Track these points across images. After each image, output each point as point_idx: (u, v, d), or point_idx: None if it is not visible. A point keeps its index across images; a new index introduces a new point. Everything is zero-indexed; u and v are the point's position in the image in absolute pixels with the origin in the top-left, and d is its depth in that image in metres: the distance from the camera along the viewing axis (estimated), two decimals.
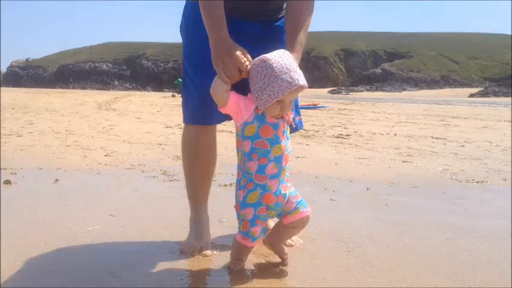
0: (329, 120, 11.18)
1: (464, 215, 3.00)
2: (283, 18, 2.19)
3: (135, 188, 3.48)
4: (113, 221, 2.64)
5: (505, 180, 4.18)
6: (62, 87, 65.86)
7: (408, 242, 2.42)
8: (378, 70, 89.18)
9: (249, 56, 1.87)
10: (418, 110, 18.34)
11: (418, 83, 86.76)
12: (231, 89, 1.88)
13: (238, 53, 1.84)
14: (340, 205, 3.18)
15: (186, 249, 2.17)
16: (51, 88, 62.11)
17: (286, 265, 2.04)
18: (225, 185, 3.61)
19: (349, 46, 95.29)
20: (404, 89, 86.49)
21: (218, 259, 2.12)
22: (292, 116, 1.98)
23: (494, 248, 2.39)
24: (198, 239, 2.22)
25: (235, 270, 1.96)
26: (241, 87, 1.92)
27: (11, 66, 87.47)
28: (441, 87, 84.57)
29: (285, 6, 2.19)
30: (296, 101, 2.13)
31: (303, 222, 1.99)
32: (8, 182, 3.49)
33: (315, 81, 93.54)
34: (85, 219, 2.66)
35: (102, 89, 58.59)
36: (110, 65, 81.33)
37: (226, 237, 2.39)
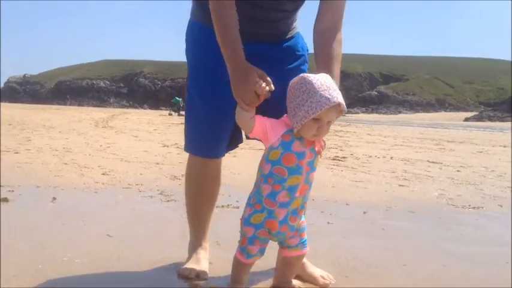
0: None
1: (461, 241, 3.02)
2: (293, 38, 2.19)
3: (132, 208, 3.49)
4: (111, 242, 2.64)
5: (501, 206, 4.20)
6: (59, 104, 65.97)
7: (405, 268, 2.43)
8: (374, 92, 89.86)
9: (267, 78, 1.82)
10: (413, 133, 18.45)
11: (413, 106, 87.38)
12: (257, 113, 1.85)
13: (254, 77, 1.79)
14: (337, 229, 3.19)
15: (183, 274, 2.15)
16: (48, 104, 62.30)
17: None
18: (222, 206, 3.62)
19: (346, 68, 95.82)
20: (400, 112, 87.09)
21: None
22: (324, 146, 1.95)
23: (492, 275, 2.41)
24: (196, 264, 2.20)
25: None
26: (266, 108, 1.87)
27: (9, 81, 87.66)
28: (436, 111, 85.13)
29: (293, 26, 2.19)
30: None
31: (296, 259, 2.00)
32: (5, 199, 3.48)
33: None
34: (82, 239, 2.66)
35: (99, 106, 58.68)
36: (107, 82, 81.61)
37: (224, 260, 2.39)
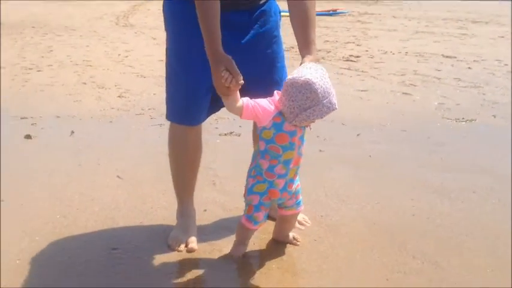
0: (344, 32, 11.13)
1: (438, 168, 3.27)
2: (267, 2, 2.28)
3: (142, 141, 3.82)
4: (120, 185, 3.01)
5: (494, 117, 4.39)
6: None
7: (376, 207, 2.73)
8: None
9: (234, 69, 1.92)
10: (442, 10, 17.86)
11: None
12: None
13: (219, 71, 1.91)
14: (326, 158, 3.47)
15: (173, 244, 2.30)
16: None
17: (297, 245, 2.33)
18: (225, 134, 3.91)
19: None
20: None
21: (205, 254, 2.28)
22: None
23: (454, 207, 2.70)
24: (184, 233, 2.34)
25: (236, 256, 2.21)
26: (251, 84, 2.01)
27: None
28: None
29: None
30: None
31: (291, 217, 2.29)
32: (28, 136, 3.87)
33: None
34: (95, 182, 3.03)
35: None
36: None
37: (217, 205, 2.74)
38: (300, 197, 2.26)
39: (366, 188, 2.97)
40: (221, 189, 2.93)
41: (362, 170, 3.25)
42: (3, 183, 2.96)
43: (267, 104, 2.00)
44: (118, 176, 3.13)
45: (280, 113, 1.98)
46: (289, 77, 1.96)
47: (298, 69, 1.94)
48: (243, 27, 2.19)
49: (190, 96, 2.24)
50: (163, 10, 2.33)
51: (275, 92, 2.05)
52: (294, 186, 2.18)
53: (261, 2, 2.27)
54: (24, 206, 2.73)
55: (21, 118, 4.38)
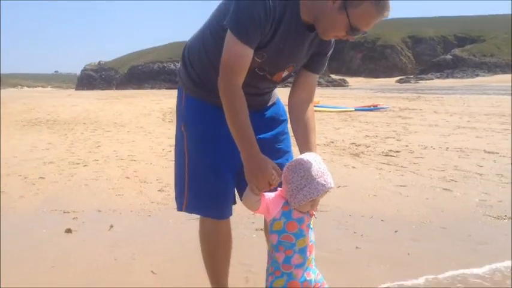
0: (385, 127, 11.23)
1: (476, 263, 3.16)
2: (275, 104, 2.48)
3: (178, 235, 3.85)
4: (154, 279, 3.01)
5: None
6: (134, 88, 68.50)
7: None
8: (449, 56, 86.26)
9: (278, 168, 2.06)
10: (484, 105, 17.85)
11: (491, 68, 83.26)
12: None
13: (270, 169, 2.03)
14: (363, 255, 3.40)
15: None
16: (123, 89, 64.90)
17: None
18: (261, 229, 3.89)
19: (417, 33, 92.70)
20: (477, 75, 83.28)
21: None
22: (316, 210, 2.15)
23: None
24: None
25: None
26: None
27: (85, 69, 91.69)
28: None
29: (274, 92, 2.47)
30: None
31: None
32: (69, 230, 3.96)
33: (381, 71, 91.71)
34: (130, 277, 3.05)
35: (170, 88, 60.02)
36: (177, 64, 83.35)
37: None
38: (326, 285, 2.21)
39: None
40: (253, 286, 2.89)
41: (401, 269, 3.16)
42: (41, 275, 3.00)
43: (275, 197, 2.10)
44: (152, 272, 3.14)
45: (287, 202, 2.06)
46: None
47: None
48: (256, 125, 2.23)
49: (221, 190, 2.33)
50: (179, 102, 2.44)
51: (279, 188, 2.13)
52: (312, 275, 2.15)
53: (269, 104, 2.45)
54: None
55: (64, 212, 4.51)
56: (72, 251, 3.56)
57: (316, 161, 2.04)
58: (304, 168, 2.00)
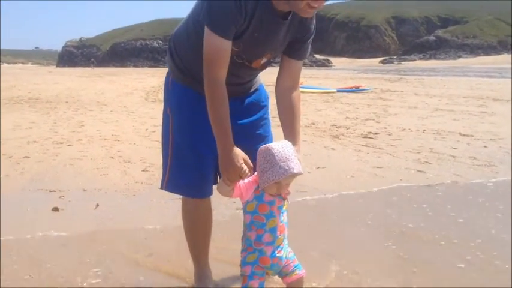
0: (365, 109, 11.45)
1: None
2: (257, 90, 2.62)
3: (163, 215, 4.01)
4: (138, 271, 3.17)
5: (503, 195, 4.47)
6: (115, 66, 67.87)
7: None
8: (432, 37, 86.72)
9: (249, 161, 2.21)
10: (464, 88, 18.17)
11: (474, 50, 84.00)
12: None
13: (240, 163, 2.16)
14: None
15: None
16: (105, 67, 64.31)
17: None
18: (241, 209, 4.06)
19: (401, 13, 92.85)
20: (460, 56, 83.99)
21: None
22: (289, 193, 2.31)
23: None
24: None
25: None
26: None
27: (66, 46, 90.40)
28: (498, 53, 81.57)
29: (256, 79, 2.60)
30: None
31: (298, 282, 2.39)
32: (56, 209, 4.09)
33: (365, 51, 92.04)
34: (113, 265, 3.16)
35: (153, 67, 59.82)
36: (160, 42, 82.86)
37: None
38: (297, 262, 2.38)
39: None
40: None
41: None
42: (30, 253, 3.15)
43: (249, 182, 2.26)
44: (137, 263, 3.30)
45: (258, 186, 2.24)
46: None
47: None
48: (237, 111, 2.42)
49: (202, 169, 2.47)
50: (166, 87, 2.61)
51: (255, 173, 2.28)
52: (283, 252, 2.31)
53: (251, 91, 2.59)
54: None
55: (50, 191, 4.64)
56: (61, 229, 3.68)
57: (284, 147, 2.19)
58: (270, 153, 2.16)
